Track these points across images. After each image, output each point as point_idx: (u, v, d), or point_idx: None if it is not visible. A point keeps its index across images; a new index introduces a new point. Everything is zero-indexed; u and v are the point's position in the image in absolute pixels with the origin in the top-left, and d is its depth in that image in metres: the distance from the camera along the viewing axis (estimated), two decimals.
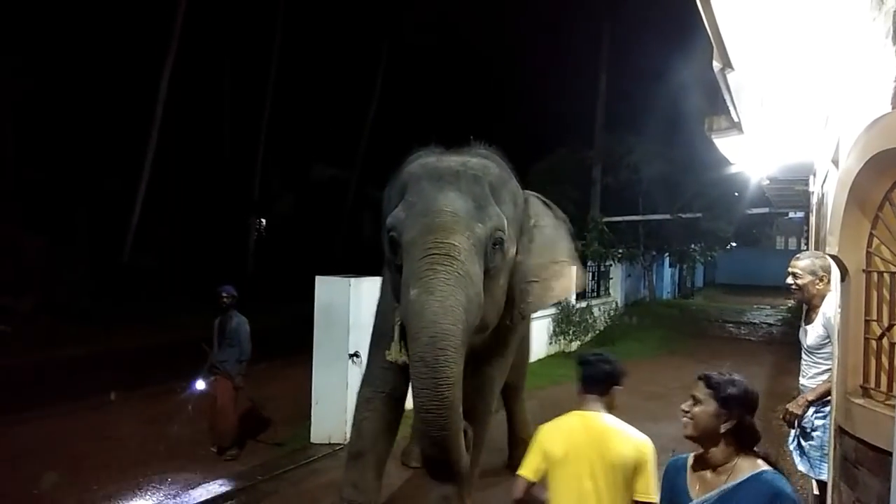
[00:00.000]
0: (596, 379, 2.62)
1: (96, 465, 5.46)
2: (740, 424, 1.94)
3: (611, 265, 15.74)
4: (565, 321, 11.51)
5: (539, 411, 6.47)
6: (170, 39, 15.78)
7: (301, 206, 23.54)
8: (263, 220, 22.53)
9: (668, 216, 16.69)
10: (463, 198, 3.16)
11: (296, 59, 20.29)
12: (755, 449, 1.98)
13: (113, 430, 6.61)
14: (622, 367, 2.66)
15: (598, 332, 12.97)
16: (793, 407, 3.67)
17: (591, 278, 14.63)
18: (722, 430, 1.94)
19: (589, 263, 14.36)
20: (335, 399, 6.16)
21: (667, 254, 20.37)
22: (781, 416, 3.79)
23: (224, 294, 5.97)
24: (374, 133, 22.77)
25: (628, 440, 2.50)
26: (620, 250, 16.14)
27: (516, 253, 3.51)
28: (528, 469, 2.53)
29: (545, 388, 8.38)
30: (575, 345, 11.87)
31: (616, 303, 15.61)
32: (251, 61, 19.73)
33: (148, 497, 4.97)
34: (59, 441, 6.10)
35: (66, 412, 7.21)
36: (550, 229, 3.85)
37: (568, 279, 3.76)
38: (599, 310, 13.54)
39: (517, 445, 5.70)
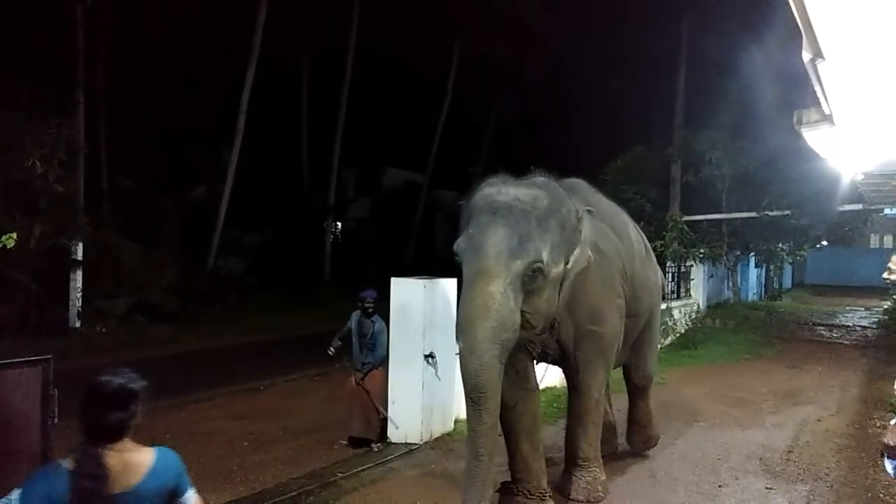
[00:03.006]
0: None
1: (186, 460, 5.72)
2: None
3: (692, 266, 15.25)
4: None
5: (623, 416, 6.37)
6: (250, 50, 16.40)
7: (375, 210, 23.99)
8: (339, 224, 23.07)
9: (753, 214, 16.00)
10: (509, 235, 3.89)
11: (370, 65, 20.68)
12: None
13: (202, 426, 6.92)
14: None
15: (678, 335, 12.59)
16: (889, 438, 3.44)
17: (671, 279, 14.26)
18: None
19: (668, 264, 13.98)
20: (411, 399, 6.23)
21: (752, 253, 19.53)
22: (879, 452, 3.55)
23: (369, 299, 6.20)
24: (445, 137, 22.96)
25: None
26: (702, 250, 15.62)
27: (567, 265, 4.18)
28: None
29: (625, 392, 8.19)
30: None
31: (698, 304, 15.10)
32: (327, 69, 20.25)
33: (230, 491, 5.15)
34: (150, 437, 6.37)
35: (157, 409, 7.59)
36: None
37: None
38: (680, 312, 13.14)
39: (633, 430, 6.13)
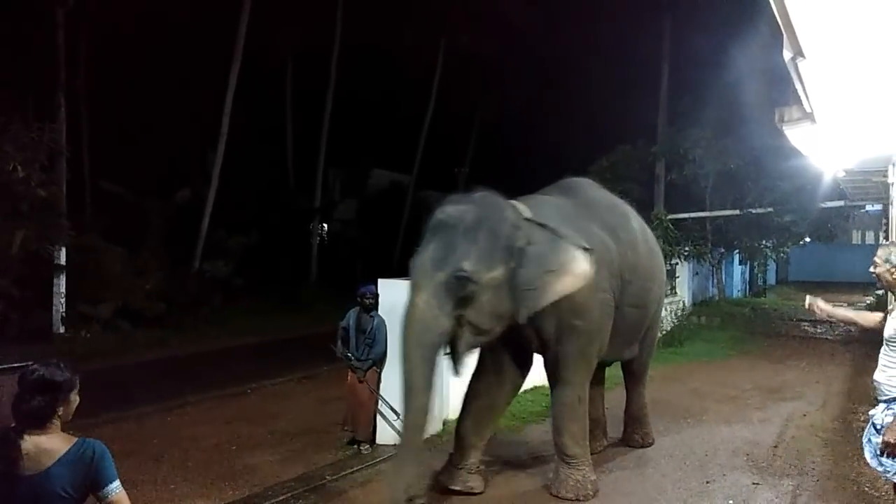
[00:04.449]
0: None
1: (174, 465, 5.69)
2: None
3: (677, 264, 15.33)
4: None
5: (608, 414, 6.40)
6: (233, 52, 16.30)
7: (362, 211, 23.93)
8: (325, 226, 22.98)
9: (736, 211, 16.13)
10: (435, 249, 4.39)
11: (355, 65, 20.62)
12: None
13: (189, 431, 6.87)
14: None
15: (664, 332, 12.66)
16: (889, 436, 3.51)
17: None
18: None
19: None
20: (399, 400, 6.20)
21: (736, 251, 19.67)
22: (880, 451, 3.61)
23: (368, 294, 6.18)
24: (431, 137, 22.95)
25: None
26: (687, 248, 15.71)
27: (509, 271, 4.44)
28: None
29: (610, 389, 8.20)
30: None
31: (683, 302, 15.18)
32: (311, 69, 20.16)
33: (216, 496, 5.12)
34: (138, 442, 6.34)
35: (143, 414, 7.54)
36: (543, 246, 4.53)
37: (568, 279, 4.47)
38: (666, 309, 13.20)
39: (630, 423, 6.28)
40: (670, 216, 15.20)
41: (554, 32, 20.60)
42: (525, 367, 5.32)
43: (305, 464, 5.85)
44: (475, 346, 4.68)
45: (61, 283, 12.70)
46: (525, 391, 8.07)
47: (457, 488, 5.06)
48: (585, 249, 4.51)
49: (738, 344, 12.59)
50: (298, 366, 9.55)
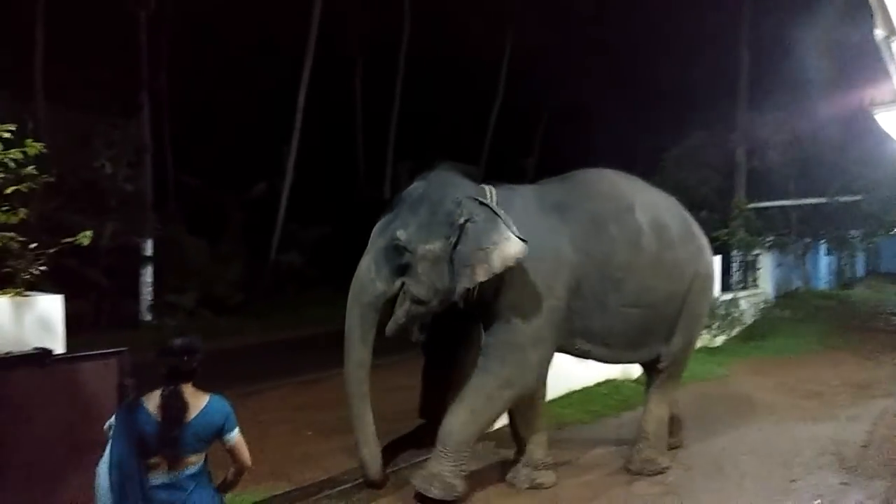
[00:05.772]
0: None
1: (253, 446, 5.86)
2: None
3: (759, 254, 14.74)
4: (709, 314, 10.87)
5: (685, 409, 6.21)
6: (305, 48, 16.67)
7: None
8: None
9: (822, 199, 15.34)
10: (386, 219, 4.80)
11: (422, 58, 20.70)
12: None
13: (265, 416, 7.09)
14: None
15: (745, 325, 12.21)
16: None
17: (736, 269, 13.80)
18: None
19: (734, 253, 13.54)
20: None
21: (822, 241, 18.72)
22: None
23: None
24: (498, 128, 22.81)
25: None
26: (770, 238, 15.07)
27: (451, 245, 4.52)
28: None
29: (688, 384, 7.97)
30: (720, 339, 11.23)
31: (766, 294, 14.59)
32: (380, 63, 20.38)
33: (294, 479, 5.23)
34: None
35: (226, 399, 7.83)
36: (481, 223, 4.48)
37: (497, 259, 4.34)
38: (747, 302, 12.72)
39: (640, 439, 5.44)
40: (751, 205, 14.63)
41: (624, 19, 20.04)
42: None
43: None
44: (417, 317, 4.77)
45: (148, 274, 13.36)
46: (598, 383, 7.98)
47: (523, 486, 5.02)
48: (521, 240, 4.32)
49: (825, 338, 12.00)
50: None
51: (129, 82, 13.90)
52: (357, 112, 21.31)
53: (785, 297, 16.16)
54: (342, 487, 5.02)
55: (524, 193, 5.11)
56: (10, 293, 3.82)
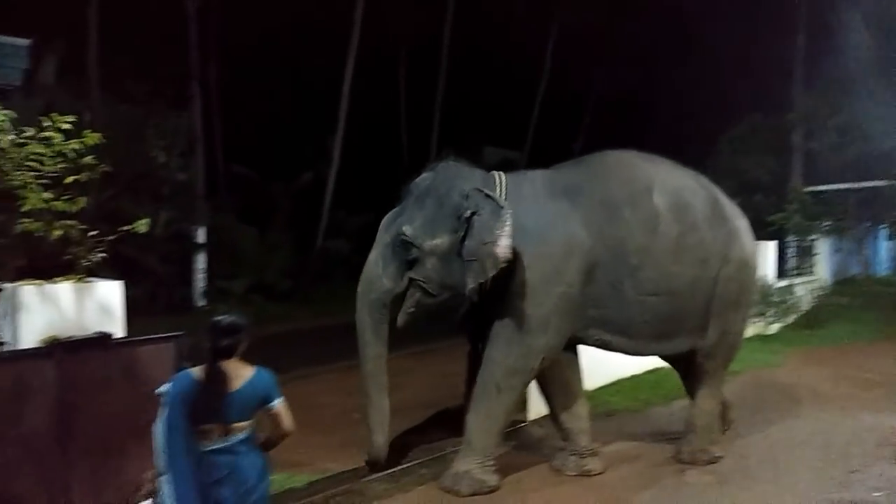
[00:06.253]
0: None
1: (304, 429, 5.97)
2: None
3: (815, 239, 14.27)
4: (763, 301, 10.58)
5: (739, 398, 6.08)
6: (350, 35, 16.76)
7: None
8: None
9: (883, 182, 14.72)
10: (394, 213, 4.84)
11: (466, 43, 20.58)
12: None
13: (316, 400, 7.21)
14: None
15: (801, 313, 11.85)
16: None
17: (792, 254, 13.40)
18: None
19: (789, 238, 13.14)
20: None
21: (883, 225, 17.98)
22: None
23: None
24: (543, 113, 22.56)
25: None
26: (827, 223, 14.57)
27: (459, 240, 4.47)
28: None
29: (742, 373, 7.79)
30: (776, 327, 10.93)
31: (823, 281, 14.13)
32: (423, 49, 20.33)
33: (346, 461, 5.30)
34: None
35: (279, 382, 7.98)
36: (486, 215, 4.38)
37: (501, 252, 4.22)
38: (803, 289, 12.35)
39: (688, 432, 5.35)
40: (808, 188, 14.17)
41: (674, 1, 19.50)
42: None
43: (429, 437, 5.94)
44: (427, 308, 4.77)
45: (200, 261, 13.73)
46: (648, 372, 7.86)
47: (571, 473, 5.00)
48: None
49: (885, 326, 11.53)
50: (415, 340, 9.74)
51: (180, 74, 14.21)
52: (401, 100, 21.36)
53: (843, 284, 15.60)
54: (391, 471, 5.08)
55: (534, 179, 5.03)
56: (72, 279, 3.96)
